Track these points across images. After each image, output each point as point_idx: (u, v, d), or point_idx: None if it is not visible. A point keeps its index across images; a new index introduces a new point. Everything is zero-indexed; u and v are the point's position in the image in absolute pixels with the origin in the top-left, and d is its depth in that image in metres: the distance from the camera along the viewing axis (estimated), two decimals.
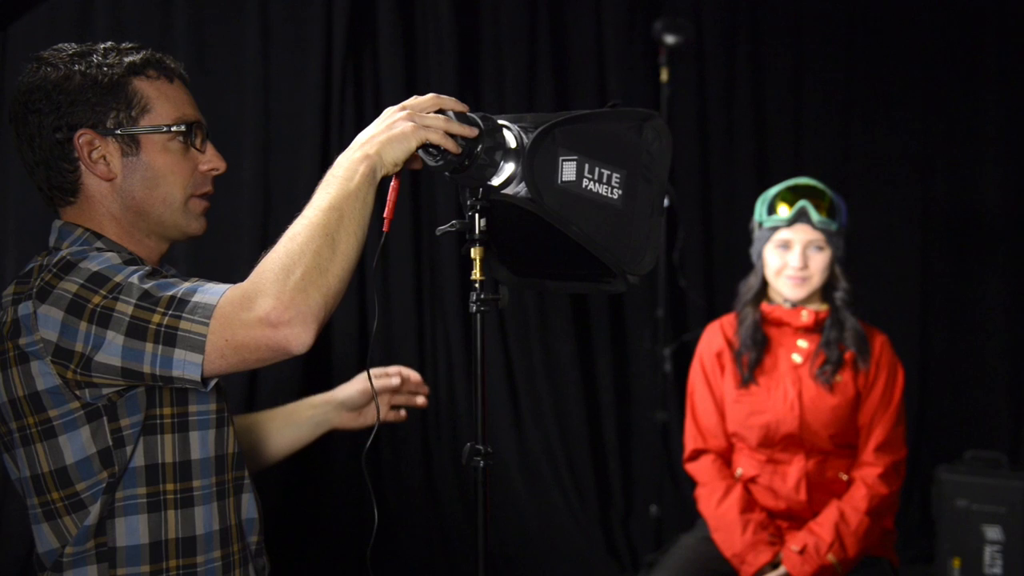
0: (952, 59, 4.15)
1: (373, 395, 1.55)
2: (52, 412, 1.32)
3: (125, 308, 1.25)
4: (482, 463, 1.36)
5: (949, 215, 4.18)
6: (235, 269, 3.20)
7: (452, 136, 1.30)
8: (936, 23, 4.13)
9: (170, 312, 1.23)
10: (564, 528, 3.69)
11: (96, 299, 1.26)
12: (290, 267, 1.21)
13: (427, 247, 3.64)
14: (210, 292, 1.24)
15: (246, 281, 1.23)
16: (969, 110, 4.15)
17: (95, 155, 1.38)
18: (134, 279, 1.27)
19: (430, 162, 1.34)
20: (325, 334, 3.47)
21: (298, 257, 1.21)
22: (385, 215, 1.33)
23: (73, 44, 1.42)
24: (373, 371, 1.73)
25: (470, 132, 1.30)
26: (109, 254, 1.34)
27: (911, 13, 4.12)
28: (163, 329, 1.23)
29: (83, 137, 1.37)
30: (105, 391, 1.30)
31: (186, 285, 1.27)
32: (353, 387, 1.78)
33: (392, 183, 1.34)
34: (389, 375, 1.79)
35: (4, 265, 2.99)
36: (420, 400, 1.81)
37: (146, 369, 1.24)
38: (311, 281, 1.20)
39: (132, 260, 1.36)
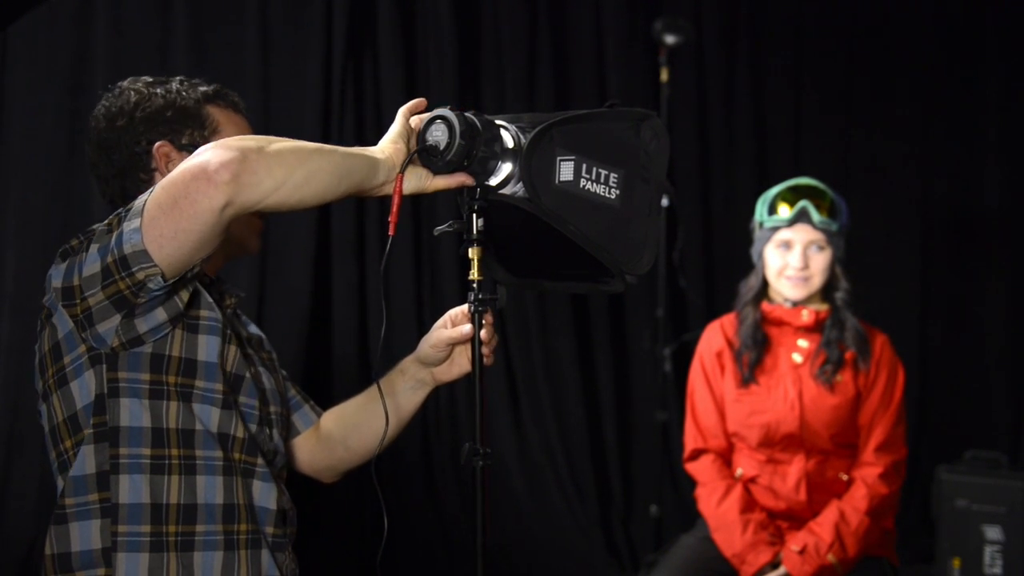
0: (952, 59, 4.15)
1: (383, 403, 1.55)
2: (66, 359, 1.38)
3: (103, 228, 1.32)
4: (480, 463, 1.35)
5: (949, 215, 4.18)
6: (235, 268, 3.22)
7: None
8: (936, 23, 4.14)
9: (128, 208, 1.29)
10: (564, 528, 3.70)
11: (91, 239, 1.33)
12: (241, 139, 1.25)
13: (427, 247, 3.64)
14: None
15: None
16: (969, 110, 4.16)
17: (171, 167, 1.48)
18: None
19: (431, 165, 1.34)
20: (325, 334, 3.49)
21: (254, 140, 1.25)
22: (390, 219, 1.33)
23: (148, 77, 1.57)
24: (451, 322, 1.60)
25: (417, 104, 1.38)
26: None
27: (911, 13, 4.13)
28: (120, 216, 1.29)
29: (162, 149, 1.50)
30: (102, 329, 1.33)
31: None
32: (424, 342, 1.65)
33: (395, 186, 1.34)
34: (454, 323, 1.59)
35: (4, 265, 2.99)
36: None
37: (109, 259, 1.28)
38: (257, 151, 1.22)
39: None
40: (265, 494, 1.49)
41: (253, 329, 1.70)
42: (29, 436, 2.88)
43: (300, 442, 1.75)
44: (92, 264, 1.30)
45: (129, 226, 1.26)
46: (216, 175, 1.19)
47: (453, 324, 1.59)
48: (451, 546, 3.53)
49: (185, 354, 1.42)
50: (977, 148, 4.15)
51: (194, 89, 1.55)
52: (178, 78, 1.57)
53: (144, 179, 1.50)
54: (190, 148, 1.48)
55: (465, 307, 1.49)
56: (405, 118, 1.38)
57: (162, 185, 1.25)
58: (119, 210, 1.33)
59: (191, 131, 1.52)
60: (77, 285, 1.31)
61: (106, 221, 1.32)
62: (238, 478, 1.45)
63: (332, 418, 1.78)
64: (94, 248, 1.30)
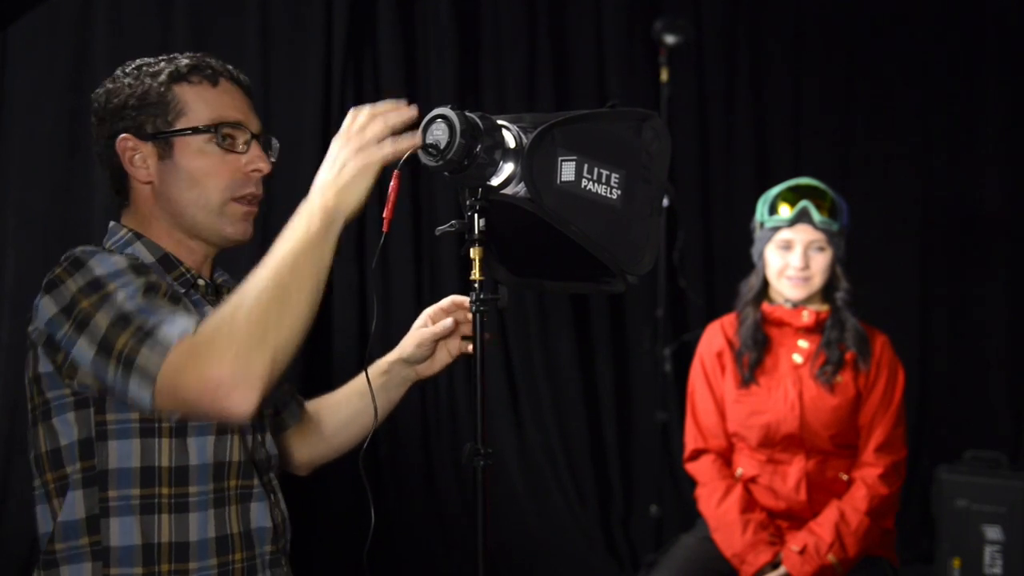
0: (952, 59, 4.15)
1: (372, 398, 1.54)
2: (49, 395, 1.38)
3: (102, 322, 1.27)
4: (482, 463, 1.35)
5: (949, 215, 4.18)
6: (234, 268, 3.21)
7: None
8: (936, 23, 4.14)
9: (134, 340, 1.25)
10: (564, 528, 3.70)
11: (85, 304, 1.29)
12: (235, 331, 1.20)
13: (427, 247, 3.65)
14: (176, 327, 1.25)
15: (198, 333, 1.22)
16: (969, 110, 4.16)
17: (136, 160, 1.45)
18: (121, 294, 1.29)
19: (429, 163, 1.34)
20: (325, 334, 3.49)
21: (245, 319, 1.20)
22: (385, 215, 1.33)
23: (142, 59, 1.49)
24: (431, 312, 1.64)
25: (412, 142, 1.30)
26: (117, 258, 1.36)
27: (911, 13, 4.13)
28: (125, 354, 1.25)
29: (124, 142, 1.45)
30: (90, 382, 1.32)
31: (160, 314, 1.27)
32: (408, 342, 1.66)
33: (392, 184, 1.34)
34: (444, 311, 1.63)
35: (4, 265, 2.99)
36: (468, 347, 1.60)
37: (109, 383, 1.27)
38: (256, 345, 1.19)
39: (141, 266, 1.37)
40: (262, 514, 1.46)
41: None
42: None
43: (285, 437, 1.73)
44: (83, 362, 1.28)
45: (137, 388, 1.24)
46: (237, 408, 1.19)
47: (433, 321, 1.63)
48: (451, 546, 3.53)
49: None
50: (977, 148, 4.15)
51: (165, 70, 1.45)
52: (161, 57, 1.48)
53: (119, 174, 1.47)
54: (154, 137, 1.43)
55: (440, 303, 1.61)
56: (369, 119, 1.35)
57: (175, 386, 1.21)
58: (119, 286, 1.29)
59: (154, 119, 1.44)
60: (63, 351, 1.30)
61: (101, 296, 1.29)
62: (233, 507, 1.43)
63: (314, 412, 1.76)
64: (88, 349, 1.27)
